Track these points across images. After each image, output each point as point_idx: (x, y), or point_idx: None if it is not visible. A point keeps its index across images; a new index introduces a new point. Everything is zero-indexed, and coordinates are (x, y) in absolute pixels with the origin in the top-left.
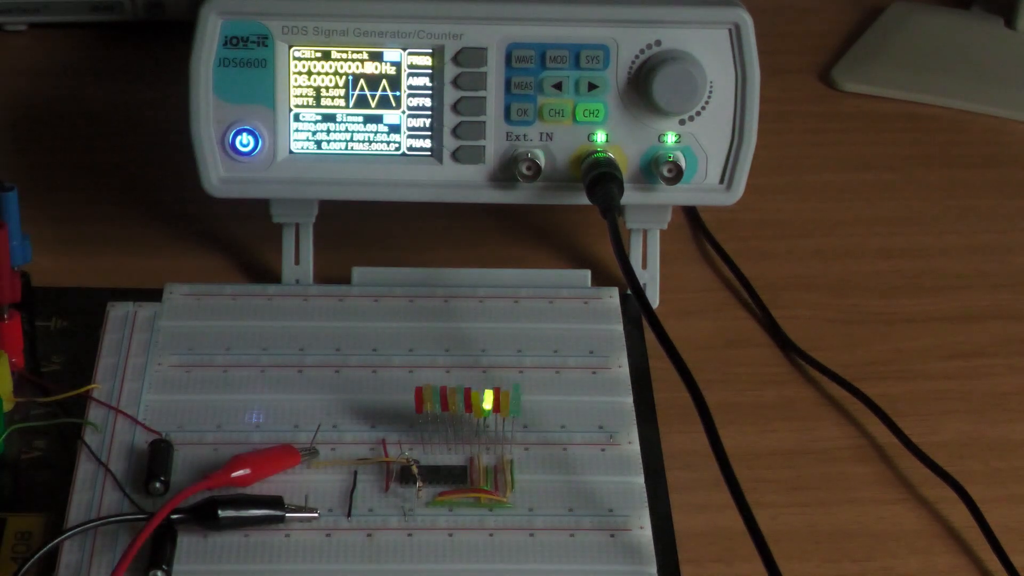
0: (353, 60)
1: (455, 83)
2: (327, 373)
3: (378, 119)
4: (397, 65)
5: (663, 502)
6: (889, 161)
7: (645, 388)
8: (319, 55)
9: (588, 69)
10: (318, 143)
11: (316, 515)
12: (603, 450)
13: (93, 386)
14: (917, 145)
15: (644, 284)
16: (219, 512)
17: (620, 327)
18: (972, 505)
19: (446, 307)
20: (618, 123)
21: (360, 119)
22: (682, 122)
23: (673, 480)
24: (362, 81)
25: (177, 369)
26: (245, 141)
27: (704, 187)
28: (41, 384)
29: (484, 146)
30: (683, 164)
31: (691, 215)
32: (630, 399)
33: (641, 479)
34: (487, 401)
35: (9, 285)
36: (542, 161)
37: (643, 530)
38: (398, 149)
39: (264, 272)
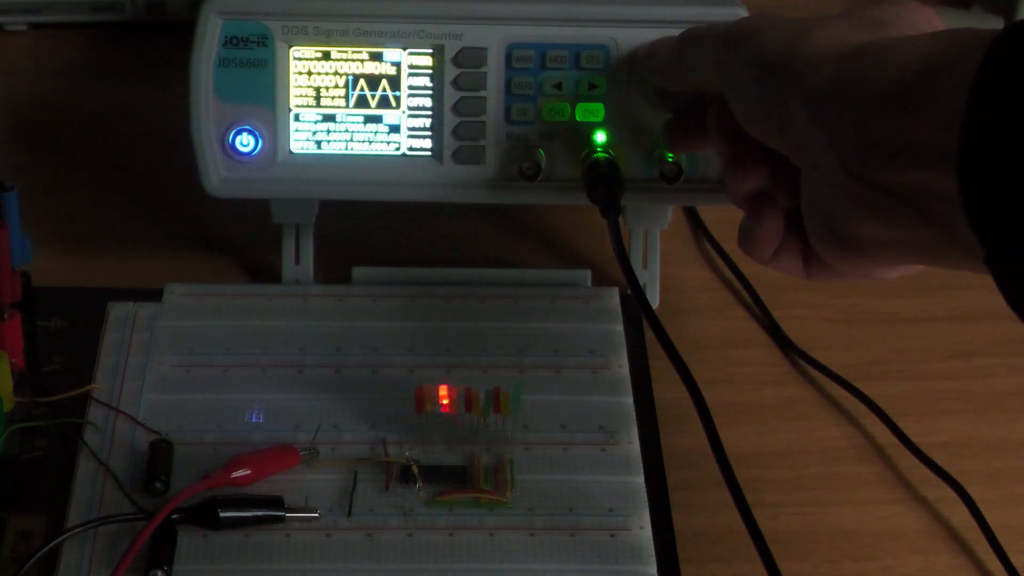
0: (353, 60)
1: (455, 83)
2: (327, 373)
3: (378, 119)
4: (397, 65)
5: (663, 502)
6: None
7: (645, 388)
8: (319, 55)
9: (588, 69)
10: (318, 143)
11: (316, 515)
12: (603, 450)
13: (93, 386)
14: None
15: (644, 284)
16: (219, 512)
17: (620, 327)
18: (972, 505)
19: (446, 307)
20: (618, 123)
21: (360, 119)
22: None
23: (673, 480)
24: (362, 81)
25: (177, 369)
26: (245, 141)
27: (704, 187)
28: (41, 384)
29: (484, 146)
30: (683, 164)
31: (691, 215)
32: (630, 399)
33: (641, 479)
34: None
35: (9, 285)
36: (542, 161)
37: (643, 530)
38: (398, 149)
39: (264, 272)
